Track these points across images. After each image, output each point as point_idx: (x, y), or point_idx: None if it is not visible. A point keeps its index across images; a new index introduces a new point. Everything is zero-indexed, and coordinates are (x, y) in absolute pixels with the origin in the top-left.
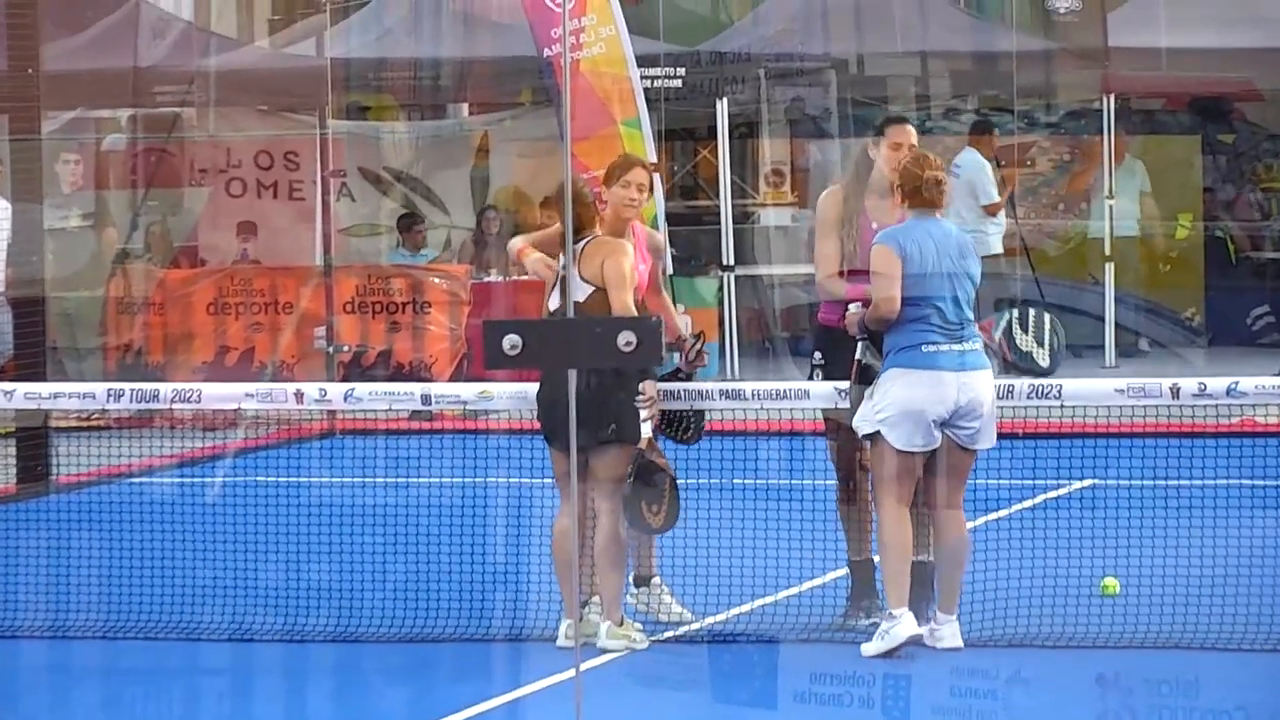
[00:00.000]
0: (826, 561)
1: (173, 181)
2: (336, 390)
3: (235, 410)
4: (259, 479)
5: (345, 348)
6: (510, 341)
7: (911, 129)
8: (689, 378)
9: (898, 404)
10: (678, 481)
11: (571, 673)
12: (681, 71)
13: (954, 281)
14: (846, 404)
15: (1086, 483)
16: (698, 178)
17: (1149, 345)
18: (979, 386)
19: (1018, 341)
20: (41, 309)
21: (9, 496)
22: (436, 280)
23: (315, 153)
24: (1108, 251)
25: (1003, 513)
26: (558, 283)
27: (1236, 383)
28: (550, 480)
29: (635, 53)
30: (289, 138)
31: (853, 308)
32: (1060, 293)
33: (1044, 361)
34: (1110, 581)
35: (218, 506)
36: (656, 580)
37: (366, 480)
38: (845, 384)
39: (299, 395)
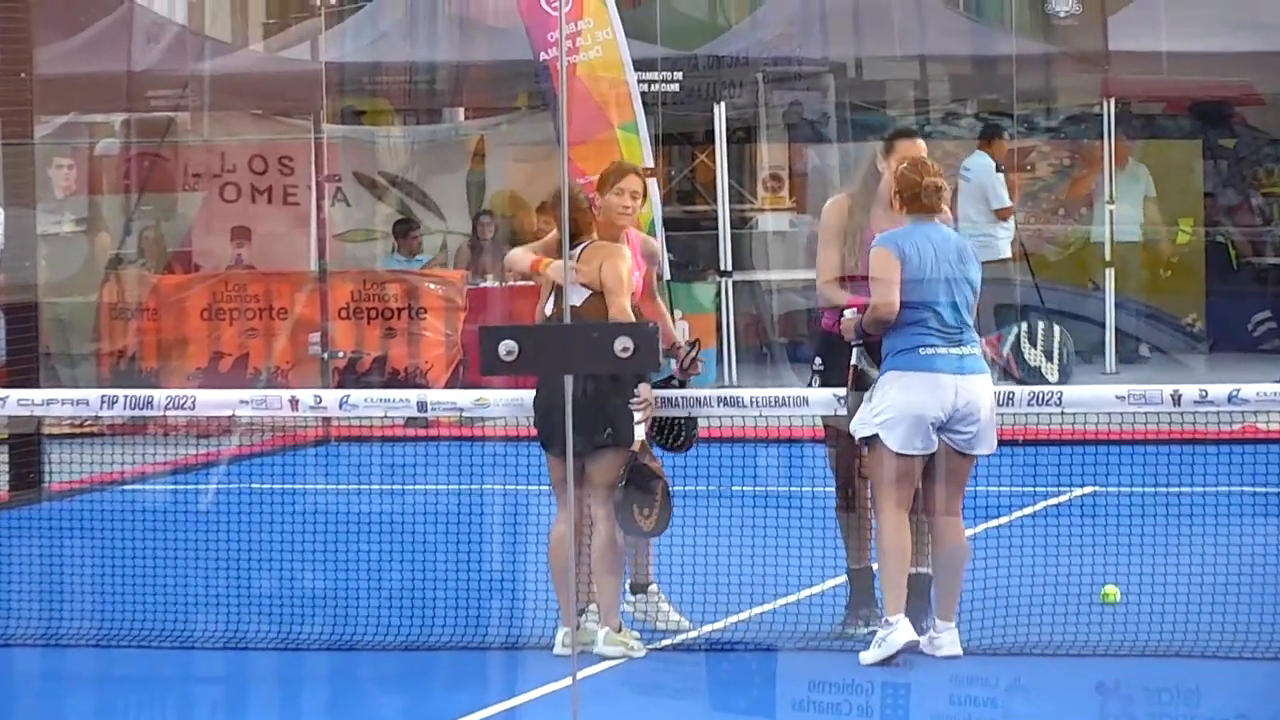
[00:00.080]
0: (825, 569)
1: (166, 186)
2: (332, 397)
3: (230, 417)
4: (253, 486)
5: (340, 354)
6: (506, 347)
7: (922, 143)
8: (682, 385)
9: (896, 406)
10: (670, 487)
11: (568, 681)
12: (679, 75)
13: (953, 286)
14: (845, 411)
15: (1087, 490)
16: (695, 182)
17: (1150, 351)
18: (977, 390)
19: (1026, 356)
20: (34, 314)
21: (1, 504)
22: (432, 286)
23: (310, 157)
24: (1108, 257)
25: (1003, 519)
26: (553, 288)
27: (1238, 389)
28: (546, 487)
29: (632, 56)
30: (284, 142)
31: (848, 313)
32: (1060, 298)
33: (1052, 377)
34: (1111, 589)
35: (212, 514)
36: (653, 588)
37: (362, 487)
38: (843, 390)
39: (294, 402)
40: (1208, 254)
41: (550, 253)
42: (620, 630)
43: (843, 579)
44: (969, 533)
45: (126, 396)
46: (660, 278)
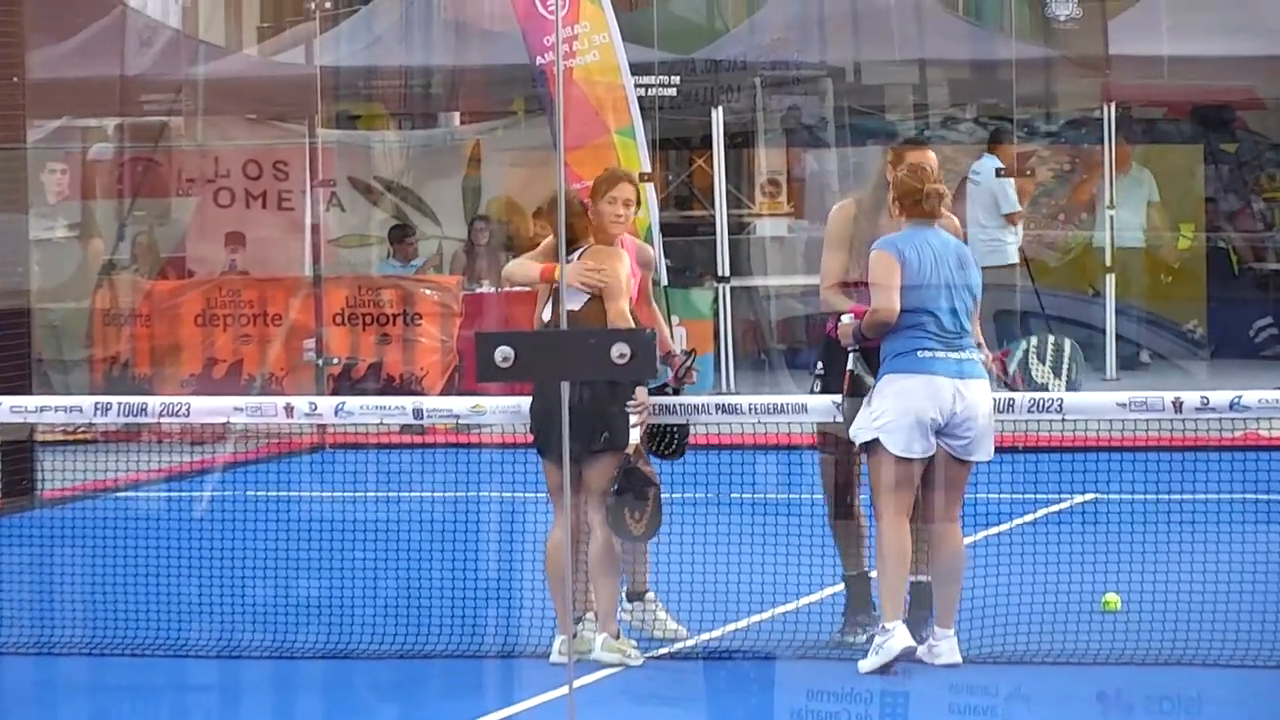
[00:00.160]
0: (824, 577)
1: (160, 191)
2: (327, 404)
3: (224, 424)
4: (248, 493)
5: (335, 360)
6: (503, 353)
7: (931, 153)
8: (677, 393)
9: (895, 409)
10: (662, 492)
11: (565, 689)
12: (676, 80)
13: (952, 291)
14: (841, 418)
15: (1088, 497)
16: (693, 187)
17: (1150, 357)
18: (975, 395)
19: (1034, 374)
20: (27, 321)
21: None
22: (428, 291)
23: (305, 162)
24: (1108, 262)
25: (1003, 527)
26: (551, 294)
27: (1240, 396)
28: (543, 494)
29: (629, 60)
30: (278, 147)
31: (845, 318)
32: (1060, 304)
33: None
34: (1111, 597)
35: (206, 521)
36: (650, 595)
37: (357, 495)
38: (840, 396)
39: (289, 409)
40: (1209, 259)
41: (548, 259)
42: (618, 637)
43: (840, 587)
44: (968, 540)
45: (120, 403)
46: (656, 283)
